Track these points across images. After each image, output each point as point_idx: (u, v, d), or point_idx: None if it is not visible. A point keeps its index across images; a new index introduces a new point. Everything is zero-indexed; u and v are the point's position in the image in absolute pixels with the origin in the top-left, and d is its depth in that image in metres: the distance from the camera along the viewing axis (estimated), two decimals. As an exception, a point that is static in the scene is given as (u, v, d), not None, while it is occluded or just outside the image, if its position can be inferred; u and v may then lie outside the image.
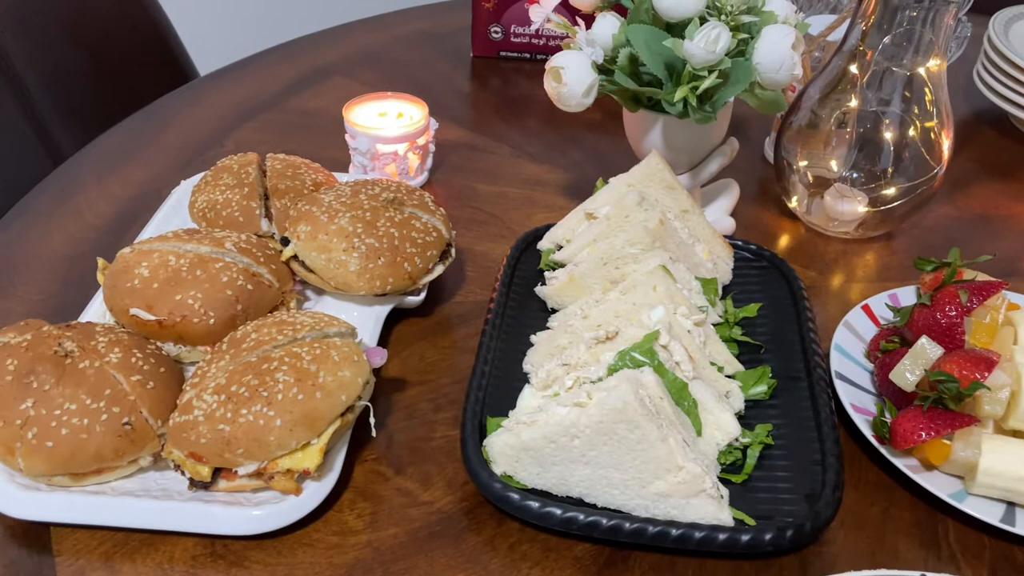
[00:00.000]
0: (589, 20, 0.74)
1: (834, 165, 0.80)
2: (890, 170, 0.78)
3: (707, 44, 0.65)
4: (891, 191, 0.78)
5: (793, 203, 0.84)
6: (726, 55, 0.67)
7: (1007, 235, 0.85)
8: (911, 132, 0.77)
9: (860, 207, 0.80)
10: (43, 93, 1.07)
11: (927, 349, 0.57)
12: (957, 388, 0.54)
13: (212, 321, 0.61)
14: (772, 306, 0.70)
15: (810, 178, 0.81)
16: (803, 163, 0.81)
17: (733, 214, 0.84)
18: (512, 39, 1.09)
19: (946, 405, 0.56)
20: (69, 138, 1.05)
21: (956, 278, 0.62)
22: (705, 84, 0.65)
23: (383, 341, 0.68)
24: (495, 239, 0.81)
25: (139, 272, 0.62)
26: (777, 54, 0.65)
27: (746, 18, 0.68)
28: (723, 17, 0.68)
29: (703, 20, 0.68)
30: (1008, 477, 0.53)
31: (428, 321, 0.71)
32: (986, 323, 0.59)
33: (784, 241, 0.84)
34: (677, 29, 0.69)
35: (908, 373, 0.57)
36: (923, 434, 0.55)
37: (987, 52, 0.98)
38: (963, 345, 0.58)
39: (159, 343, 0.62)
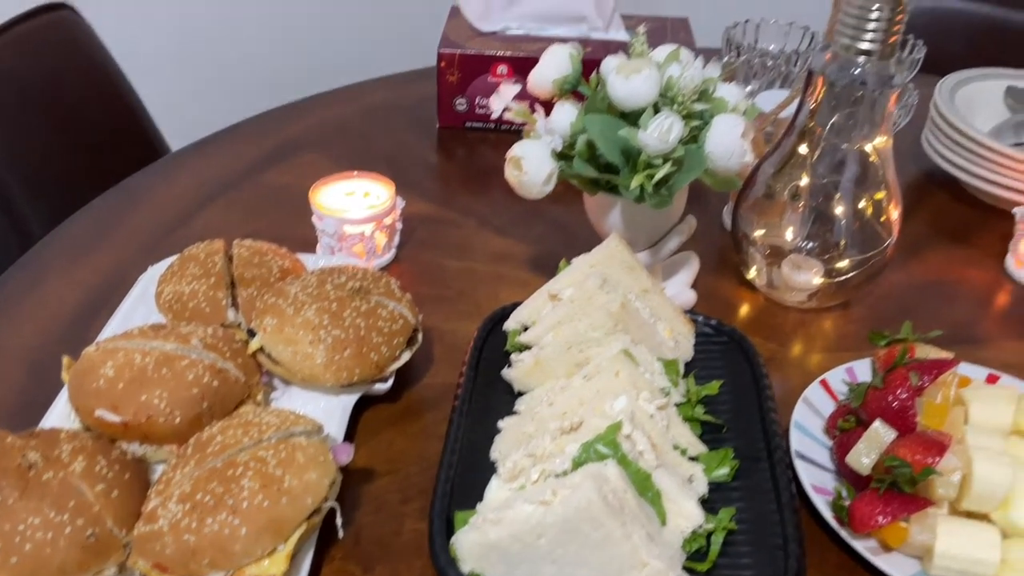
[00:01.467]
0: (549, 106, 0.76)
1: (789, 237, 0.83)
2: (843, 242, 0.81)
3: (660, 134, 0.68)
4: (844, 263, 0.81)
5: (751, 274, 0.86)
6: (679, 143, 0.69)
7: (960, 300, 0.87)
8: (861, 205, 0.80)
9: (815, 278, 0.82)
10: (11, 172, 1.08)
11: (881, 433, 0.59)
12: (910, 473, 0.56)
13: (178, 420, 0.61)
14: (733, 383, 0.71)
15: (767, 249, 0.84)
16: (759, 235, 0.83)
17: (694, 286, 0.86)
18: (477, 110, 1.11)
19: (902, 488, 0.57)
20: (38, 218, 1.06)
21: (908, 356, 0.64)
22: (660, 173, 0.67)
23: (351, 429, 0.69)
24: (463, 317, 0.82)
25: (104, 372, 0.62)
26: (727, 143, 0.68)
27: (698, 106, 0.71)
28: (675, 106, 0.70)
29: (657, 109, 0.70)
30: (964, 559, 0.55)
31: (397, 406, 0.72)
32: (937, 404, 0.61)
33: (744, 311, 0.86)
34: (632, 117, 0.71)
35: (863, 457, 0.59)
36: (880, 518, 0.56)
37: (934, 119, 1.02)
38: (915, 427, 0.60)
39: (125, 444, 0.62)
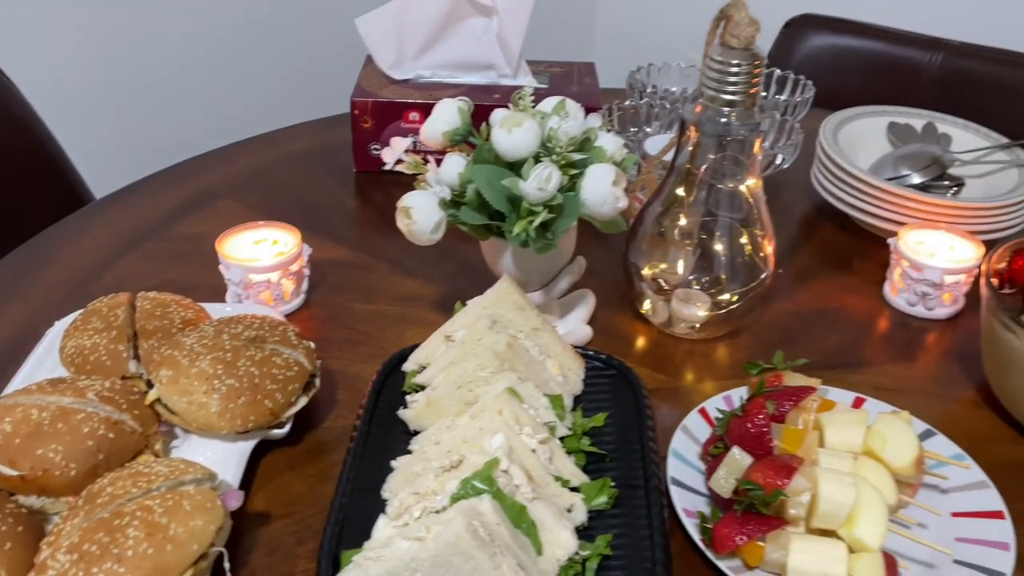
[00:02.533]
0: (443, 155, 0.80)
1: (677, 272, 0.88)
2: (723, 276, 0.86)
3: (539, 183, 0.72)
4: (726, 296, 0.86)
5: (644, 308, 0.90)
6: (559, 191, 0.74)
7: (840, 326, 0.93)
8: (740, 241, 0.86)
9: (701, 310, 0.87)
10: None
11: (738, 458, 0.63)
12: (763, 495, 0.60)
13: (74, 472, 0.63)
14: (619, 414, 0.76)
15: (657, 285, 0.88)
16: (649, 271, 0.88)
17: (592, 321, 0.90)
18: (392, 155, 1.15)
19: (758, 510, 0.61)
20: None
21: (767, 385, 0.68)
22: (539, 219, 0.72)
23: (250, 474, 0.71)
24: (368, 359, 0.85)
25: (2, 428, 0.64)
26: (600, 191, 0.73)
27: (576, 156, 0.76)
28: (555, 156, 0.75)
29: (538, 159, 0.75)
30: (814, 574, 0.59)
31: (297, 450, 0.75)
32: (795, 429, 0.66)
33: (640, 344, 0.90)
34: (516, 167, 0.76)
35: (723, 481, 0.63)
36: (738, 539, 0.61)
37: (819, 157, 1.08)
38: (772, 451, 0.64)
39: (23, 497, 0.64)
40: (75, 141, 1.32)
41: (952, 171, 1.10)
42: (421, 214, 0.75)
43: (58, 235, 1.04)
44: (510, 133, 0.74)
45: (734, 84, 0.76)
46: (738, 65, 0.75)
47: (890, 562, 0.60)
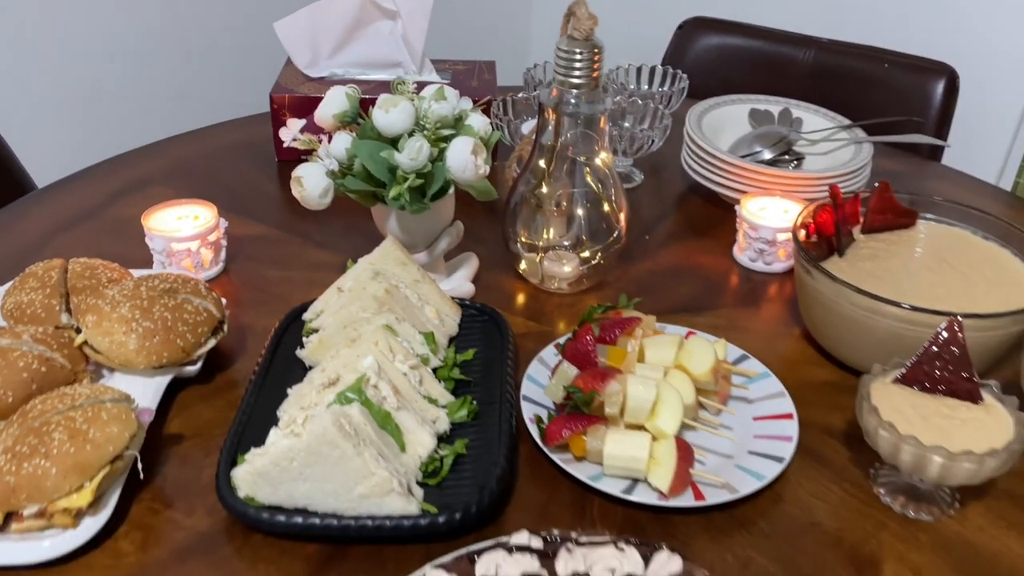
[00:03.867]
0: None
1: (548, 235, 1.02)
2: (585, 237, 1.00)
3: (412, 154, 0.86)
4: (588, 253, 1.00)
5: (521, 267, 1.04)
6: (429, 161, 0.87)
7: (692, 281, 1.08)
8: (599, 207, 1.00)
9: (568, 267, 1.01)
10: None
11: (566, 370, 0.77)
12: (583, 396, 0.74)
13: (10, 399, 0.75)
14: (487, 351, 0.89)
15: (530, 247, 1.02)
16: (524, 235, 1.02)
17: (476, 281, 1.04)
18: (310, 145, 1.28)
19: (581, 410, 0.75)
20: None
21: (596, 317, 0.82)
22: (408, 183, 0.85)
23: (167, 405, 0.83)
24: (277, 315, 0.96)
25: (-53, 365, 0.76)
26: (461, 159, 0.86)
27: (445, 132, 0.89)
28: (425, 132, 0.88)
29: (412, 135, 0.89)
30: (624, 458, 0.73)
31: (209, 387, 0.87)
32: (619, 349, 0.80)
33: (518, 299, 1.04)
34: (394, 142, 0.89)
35: (554, 388, 0.77)
36: (564, 432, 0.74)
37: (688, 143, 1.23)
38: (596, 365, 0.78)
39: (-35, 422, 0.75)
40: (18, 137, 1.42)
41: (803, 150, 1.26)
42: (310, 182, 0.88)
43: (2, 217, 1.15)
44: (387, 112, 0.87)
45: (579, 70, 0.90)
46: (581, 54, 0.90)
47: (682, 445, 0.73)
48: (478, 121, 0.93)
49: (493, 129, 0.94)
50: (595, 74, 0.91)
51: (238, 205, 1.17)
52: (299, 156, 1.29)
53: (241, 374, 0.89)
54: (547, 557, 0.60)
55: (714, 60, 1.71)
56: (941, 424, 0.71)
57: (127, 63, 1.98)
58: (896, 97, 1.50)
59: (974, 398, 0.73)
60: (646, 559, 0.60)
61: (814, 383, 0.90)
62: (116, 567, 0.68)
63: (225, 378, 0.88)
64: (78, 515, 0.68)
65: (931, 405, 0.73)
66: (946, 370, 0.73)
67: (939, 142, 1.29)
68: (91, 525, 0.68)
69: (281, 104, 1.25)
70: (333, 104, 0.92)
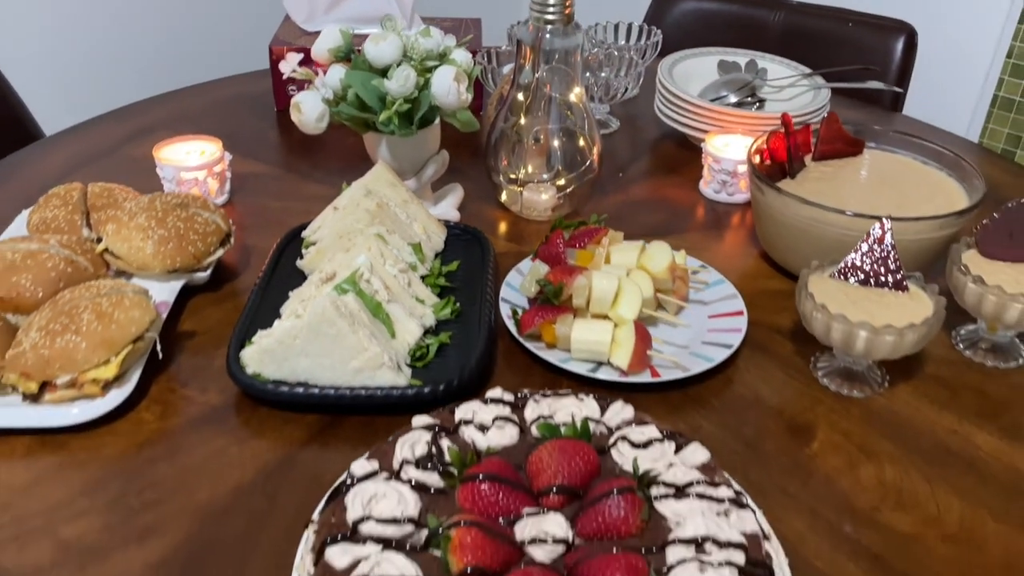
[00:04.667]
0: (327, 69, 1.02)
1: (527, 168, 1.10)
2: (560, 168, 1.09)
3: (400, 81, 0.95)
4: (564, 181, 1.09)
5: (503, 198, 1.13)
6: (416, 89, 0.96)
7: (661, 210, 1.17)
8: (573, 139, 1.09)
9: (545, 195, 1.10)
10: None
11: (539, 267, 0.86)
12: (553, 288, 0.83)
13: (40, 295, 0.84)
14: (470, 264, 0.98)
15: (511, 178, 1.11)
16: (504, 166, 1.11)
17: (461, 209, 1.13)
18: (306, 95, 1.37)
19: (551, 301, 0.84)
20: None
21: (574, 231, 0.92)
22: (396, 107, 0.94)
23: (181, 308, 0.92)
24: (277, 237, 1.06)
25: (-17, 265, 0.84)
26: (444, 85, 0.95)
27: (430, 63, 0.98)
28: (413, 63, 0.97)
29: (399, 65, 0.97)
30: (589, 342, 0.82)
31: (218, 294, 0.96)
32: (587, 251, 0.89)
33: (501, 227, 1.13)
34: (385, 72, 0.98)
35: (528, 284, 0.86)
36: (536, 320, 0.83)
37: (660, 91, 1.32)
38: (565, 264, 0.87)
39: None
40: (28, 90, 1.50)
41: (766, 96, 1.35)
42: (308, 107, 0.97)
43: (21, 158, 1.23)
44: (377, 45, 0.96)
45: (553, 7, 0.99)
46: (554, -8, 0.98)
47: (641, 329, 0.82)
48: (461, 55, 1.01)
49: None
50: (568, 11, 1.00)
51: (241, 148, 1.26)
52: (297, 106, 1.38)
53: (246, 284, 0.98)
54: (517, 408, 0.69)
55: (691, 23, 1.80)
56: (868, 307, 0.80)
57: (131, 22, 2.08)
58: (859, 54, 1.59)
59: (900, 287, 0.82)
60: (603, 408, 0.69)
61: (766, 291, 0.99)
62: (138, 432, 0.77)
63: (232, 287, 0.97)
64: (105, 386, 0.76)
65: (861, 292, 0.82)
66: (875, 264, 0.82)
67: (893, 88, 1.39)
68: (116, 396, 0.77)
69: (279, 56, 1.33)
70: (328, 40, 1.01)
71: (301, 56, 1.02)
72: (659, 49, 1.46)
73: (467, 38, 1.07)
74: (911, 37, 1.57)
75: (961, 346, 0.90)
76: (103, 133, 1.31)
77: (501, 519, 0.59)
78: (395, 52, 0.96)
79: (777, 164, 1.04)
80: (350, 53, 1.02)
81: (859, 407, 0.83)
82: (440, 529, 0.57)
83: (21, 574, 0.64)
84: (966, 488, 0.74)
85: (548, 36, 1.01)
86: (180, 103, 1.42)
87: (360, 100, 0.99)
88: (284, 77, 1.03)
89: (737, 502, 0.61)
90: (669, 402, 0.82)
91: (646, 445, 0.65)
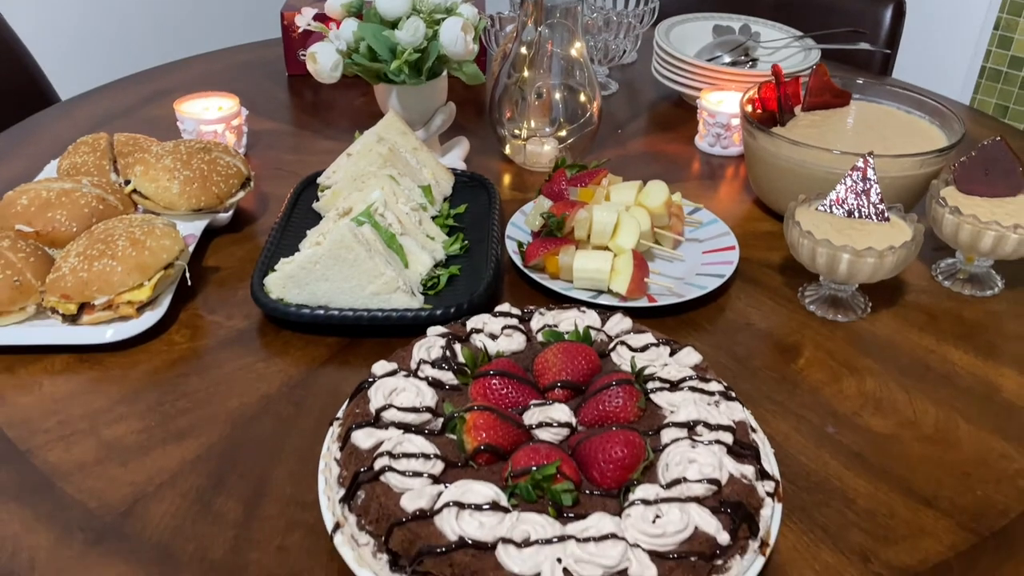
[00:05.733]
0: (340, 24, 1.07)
1: (529, 121, 1.16)
2: (562, 120, 1.14)
3: (410, 32, 1.00)
4: (565, 133, 1.14)
5: (507, 151, 1.18)
6: (425, 39, 1.02)
7: (656, 163, 1.22)
8: (578, 93, 1.14)
9: (547, 146, 1.15)
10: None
11: (543, 202, 0.91)
12: (556, 220, 0.89)
13: (75, 229, 0.89)
14: (477, 207, 1.03)
15: (515, 131, 1.16)
16: (508, 120, 1.16)
17: (467, 161, 1.18)
18: (317, 59, 1.42)
19: (554, 234, 0.90)
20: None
21: (571, 165, 0.97)
22: (406, 56, 0.99)
23: (205, 247, 0.98)
24: (293, 185, 1.11)
25: (20, 201, 0.90)
26: (451, 35, 1.01)
27: (438, 15, 1.03)
28: (422, 15, 1.02)
29: (409, 16, 1.03)
30: (590, 270, 0.87)
31: (239, 235, 1.01)
32: (588, 189, 0.94)
33: (505, 178, 1.18)
34: (395, 25, 1.03)
35: (532, 218, 0.91)
36: (540, 251, 0.89)
37: (657, 52, 1.37)
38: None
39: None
40: (44, 52, 1.55)
41: (760, 57, 1.40)
42: (323, 57, 1.02)
43: (43, 119, 1.29)
44: (388, -1, 1.01)
45: (555, -36, 1.05)
46: (555, -51, 1.04)
47: (638, 257, 0.88)
48: (468, 10, 1.07)
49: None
50: (570, -32, 1.05)
51: (256, 108, 1.31)
52: (306, 71, 1.43)
53: (266, 226, 1.03)
54: (524, 320, 0.75)
55: (688, -5, 1.84)
56: (851, 234, 0.86)
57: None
58: (850, 22, 1.64)
59: (882, 217, 0.88)
60: (603, 320, 0.75)
61: (758, 232, 1.05)
62: (170, 352, 0.82)
63: (252, 230, 1.03)
64: (140, 308, 0.82)
65: (845, 222, 0.88)
66: (859, 196, 0.88)
67: (883, 49, 1.44)
68: (150, 317, 0.82)
69: (291, 20, 1.39)
70: (342, -4, 1.06)
71: (315, 11, 1.07)
72: (656, 14, 1.51)
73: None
74: (900, 5, 1.62)
75: (940, 277, 0.95)
76: (123, 95, 1.36)
77: (511, 411, 0.65)
78: (405, 5, 1.01)
79: (768, 113, 1.09)
80: (362, 8, 1.07)
81: (843, 330, 0.88)
82: (455, 414, 0.62)
83: (69, 469, 0.70)
84: (941, 397, 0.80)
85: (551, -8, 1.06)
86: (196, 68, 1.47)
87: (372, 51, 1.04)
88: (300, 30, 1.08)
89: (726, 395, 0.66)
90: (665, 326, 0.88)
91: (643, 349, 0.70)
